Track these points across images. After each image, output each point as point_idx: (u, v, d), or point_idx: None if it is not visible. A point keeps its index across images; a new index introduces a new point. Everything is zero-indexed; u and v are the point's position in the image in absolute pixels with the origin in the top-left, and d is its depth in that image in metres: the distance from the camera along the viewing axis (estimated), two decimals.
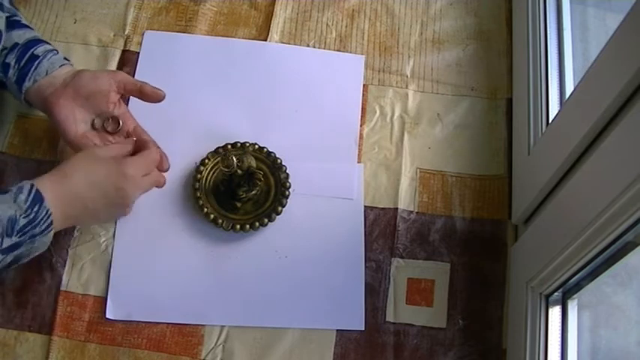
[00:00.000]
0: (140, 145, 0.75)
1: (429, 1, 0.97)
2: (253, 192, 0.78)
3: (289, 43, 0.93)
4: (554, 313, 0.69)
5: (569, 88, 0.77)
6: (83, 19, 0.93)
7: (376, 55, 0.93)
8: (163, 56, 0.91)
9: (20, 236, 0.61)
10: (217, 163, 0.81)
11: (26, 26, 0.75)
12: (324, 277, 0.79)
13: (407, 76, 0.92)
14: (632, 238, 0.55)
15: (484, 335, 0.77)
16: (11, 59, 0.72)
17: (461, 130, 0.88)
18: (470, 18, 0.96)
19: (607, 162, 0.56)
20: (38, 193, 0.62)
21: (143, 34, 0.92)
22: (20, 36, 0.73)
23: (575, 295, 0.68)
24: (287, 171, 0.82)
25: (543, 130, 0.77)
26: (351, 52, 0.93)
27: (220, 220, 0.77)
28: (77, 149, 0.73)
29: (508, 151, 0.86)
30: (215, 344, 0.75)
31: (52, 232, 0.64)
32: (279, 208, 0.79)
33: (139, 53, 0.91)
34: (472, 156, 0.87)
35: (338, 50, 0.93)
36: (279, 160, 0.82)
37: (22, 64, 0.72)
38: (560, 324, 0.68)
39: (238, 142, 0.83)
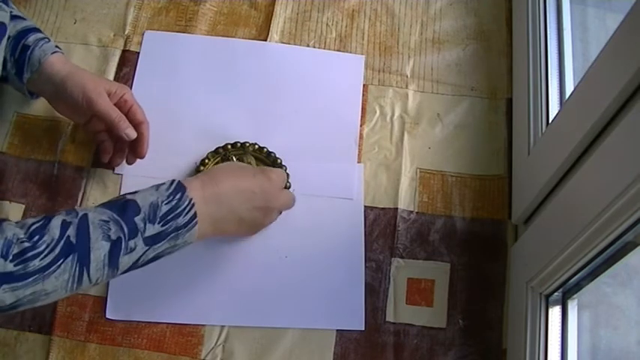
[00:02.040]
0: (135, 125, 0.77)
1: (429, 1, 0.97)
2: None
3: (289, 43, 0.93)
4: (554, 313, 0.69)
5: (569, 88, 0.77)
6: (83, 19, 0.93)
7: (376, 55, 0.93)
8: (163, 56, 0.91)
9: (163, 224, 0.59)
10: (217, 163, 0.81)
11: (18, 17, 0.75)
12: (324, 277, 0.79)
13: (407, 76, 0.92)
14: (632, 238, 0.55)
15: (484, 335, 0.77)
16: (6, 53, 0.71)
17: (461, 130, 0.88)
18: (470, 18, 0.96)
19: (607, 162, 0.56)
20: (180, 185, 0.62)
21: (143, 34, 0.92)
22: (10, 29, 0.72)
23: (575, 295, 0.68)
24: (287, 171, 0.82)
25: (543, 130, 0.77)
26: (351, 52, 0.93)
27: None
28: (106, 117, 0.75)
29: (508, 151, 0.86)
30: (215, 344, 0.75)
31: (196, 228, 0.62)
32: None
33: (138, 53, 0.91)
34: (472, 156, 0.87)
35: (338, 50, 0.93)
36: (279, 160, 0.82)
37: (16, 56, 0.72)
38: (560, 324, 0.68)
39: (238, 142, 0.83)
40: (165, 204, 0.59)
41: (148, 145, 0.79)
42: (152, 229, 0.58)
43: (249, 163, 0.77)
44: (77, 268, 0.54)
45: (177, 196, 0.60)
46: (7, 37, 0.69)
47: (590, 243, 0.57)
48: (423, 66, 0.92)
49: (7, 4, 0.72)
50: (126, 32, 0.93)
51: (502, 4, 0.97)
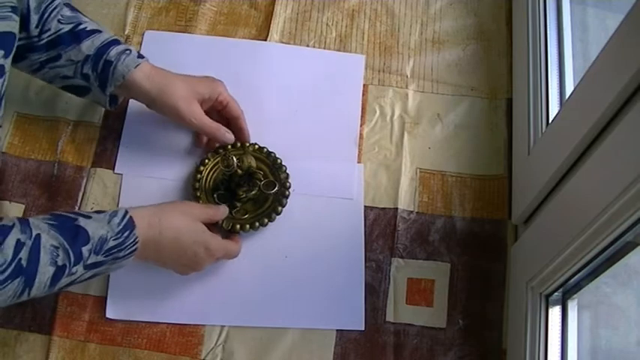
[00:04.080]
0: (232, 119, 0.82)
1: (429, 1, 0.97)
2: (253, 192, 0.78)
3: (289, 43, 0.93)
4: (554, 313, 0.69)
5: (569, 88, 0.77)
6: None
7: (376, 55, 0.93)
8: (163, 56, 0.90)
9: (106, 256, 0.62)
10: (217, 163, 0.81)
11: (93, 32, 0.73)
12: (324, 277, 0.79)
13: (407, 76, 0.92)
14: (632, 238, 0.55)
15: (484, 335, 0.77)
16: (88, 69, 0.72)
17: (461, 130, 0.88)
18: (470, 18, 0.96)
19: (607, 162, 0.56)
20: (130, 221, 0.64)
21: (143, 34, 0.92)
22: (89, 47, 0.72)
23: (575, 295, 0.68)
24: (287, 171, 0.81)
25: (543, 130, 0.77)
26: (351, 52, 0.93)
27: (220, 220, 0.76)
28: (202, 132, 0.81)
29: (508, 151, 0.86)
30: (215, 344, 0.75)
31: (131, 259, 0.65)
32: (279, 208, 0.78)
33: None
34: (472, 156, 0.87)
35: (338, 50, 0.93)
36: (279, 160, 0.82)
37: (98, 72, 0.72)
38: (560, 324, 0.68)
39: (238, 142, 0.83)
40: (114, 240, 0.62)
41: (249, 134, 0.83)
42: (95, 259, 0.62)
43: (250, 163, 0.75)
44: (21, 288, 0.57)
45: (126, 234, 0.63)
46: (14, 49, 0.66)
47: (590, 243, 0.58)
48: (423, 66, 0.92)
49: (15, 14, 0.69)
50: (126, 32, 0.93)
51: (502, 4, 0.97)
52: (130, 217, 0.64)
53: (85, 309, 0.76)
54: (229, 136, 0.80)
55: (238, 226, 0.77)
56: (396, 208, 0.83)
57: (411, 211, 0.83)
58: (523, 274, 0.74)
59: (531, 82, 0.82)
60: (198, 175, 0.80)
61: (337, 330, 0.76)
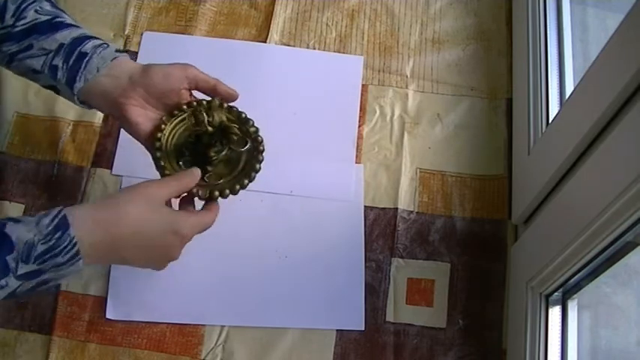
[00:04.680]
0: (224, 97, 0.68)
1: (429, 1, 0.97)
2: (224, 152, 0.66)
3: (289, 44, 0.93)
4: (554, 313, 0.69)
5: (569, 88, 0.77)
6: (83, 19, 0.93)
7: (376, 55, 0.93)
8: (162, 57, 0.89)
9: (40, 264, 0.53)
10: (176, 126, 0.67)
11: (72, 25, 0.67)
12: (324, 277, 0.79)
13: (407, 76, 0.92)
14: (632, 238, 0.55)
15: (484, 335, 0.77)
16: (58, 61, 0.64)
17: (461, 130, 0.88)
18: (470, 18, 0.96)
19: (607, 162, 0.56)
20: (64, 220, 0.54)
21: (142, 35, 0.92)
22: (65, 36, 0.65)
23: (575, 295, 0.68)
24: (255, 125, 0.69)
25: (543, 130, 0.77)
26: (350, 52, 0.93)
27: (195, 189, 0.63)
28: (148, 148, 0.67)
29: (508, 151, 0.86)
30: (215, 344, 0.75)
31: (81, 262, 0.55)
32: (257, 165, 0.67)
33: (138, 53, 0.91)
34: (472, 156, 0.87)
35: (338, 50, 0.93)
36: (243, 115, 0.70)
37: (70, 63, 0.64)
38: (560, 324, 0.68)
39: (204, 100, 0.69)
40: (42, 243, 0.53)
41: (233, 91, 0.70)
42: (26, 268, 0.53)
43: (221, 118, 0.65)
44: None
45: (57, 235, 0.53)
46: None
47: (590, 243, 0.58)
48: (423, 66, 0.92)
49: (5, 4, 0.66)
50: (126, 32, 0.93)
51: (502, 4, 0.97)
52: (64, 215, 0.54)
53: (85, 309, 0.76)
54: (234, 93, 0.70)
55: (217, 193, 0.64)
56: (396, 208, 0.83)
57: (411, 211, 0.83)
58: (523, 274, 0.74)
59: (531, 82, 0.82)
60: (158, 143, 0.65)
61: (337, 330, 0.76)
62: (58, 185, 0.82)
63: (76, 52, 0.64)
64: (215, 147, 0.65)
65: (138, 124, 0.65)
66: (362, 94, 0.90)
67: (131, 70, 0.65)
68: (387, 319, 0.78)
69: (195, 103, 0.67)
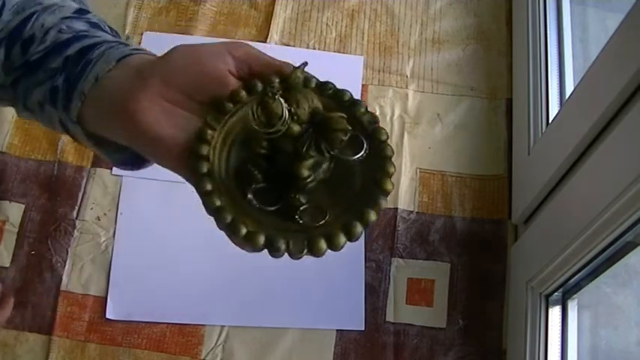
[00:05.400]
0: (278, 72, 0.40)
1: (429, 1, 0.97)
2: (325, 165, 0.36)
3: (289, 43, 0.93)
4: (554, 313, 0.69)
5: (569, 88, 0.77)
6: None
7: (376, 55, 0.93)
8: None
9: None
10: (233, 129, 0.37)
11: (94, 36, 0.44)
12: (324, 277, 0.79)
13: (407, 76, 0.92)
14: (632, 238, 0.55)
15: (484, 335, 0.77)
16: (59, 80, 0.41)
17: (461, 130, 0.88)
18: (470, 18, 0.96)
19: (607, 162, 0.56)
20: None
21: (142, 35, 0.92)
22: (77, 47, 0.43)
23: (575, 295, 0.68)
24: (368, 109, 0.39)
25: (543, 130, 0.77)
26: (350, 52, 0.93)
27: (282, 243, 0.35)
28: (185, 174, 0.37)
29: (508, 151, 0.86)
30: (215, 344, 0.75)
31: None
32: (385, 182, 0.36)
33: None
34: (472, 156, 0.87)
35: (338, 50, 0.93)
36: (347, 94, 0.41)
37: (71, 79, 0.41)
38: (560, 324, 0.68)
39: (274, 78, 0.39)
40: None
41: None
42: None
43: (314, 105, 0.36)
44: None
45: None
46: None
47: (590, 243, 0.57)
48: (423, 66, 0.92)
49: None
50: (126, 32, 0.93)
51: (502, 4, 0.97)
52: None
53: (85, 309, 0.76)
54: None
55: (323, 244, 0.37)
56: (396, 208, 0.83)
57: (411, 211, 0.83)
58: (523, 274, 0.74)
59: (531, 82, 0.82)
60: (205, 166, 0.36)
61: (337, 330, 0.76)
62: (58, 185, 0.82)
63: (82, 63, 0.42)
64: (308, 158, 0.36)
65: (161, 138, 0.37)
66: (362, 94, 0.90)
67: (141, 62, 0.41)
68: (387, 319, 0.78)
69: (259, 84, 0.39)
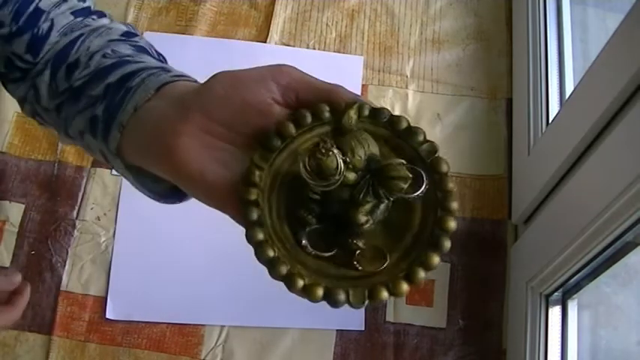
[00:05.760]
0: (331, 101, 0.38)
1: (429, 1, 0.97)
2: (383, 207, 0.34)
3: (289, 43, 0.93)
4: (554, 313, 0.69)
5: (569, 88, 0.77)
6: None
7: (376, 55, 0.93)
8: None
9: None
10: (283, 167, 0.35)
11: (140, 62, 0.43)
12: None
13: (407, 76, 0.92)
14: (632, 238, 0.55)
15: (484, 335, 0.77)
16: (99, 110, 0.40)
17: (461, 130, 0.88)
18: (470, 18, 0.96)
19: (607, 162, 0.56)
20: None
21: (142, 36, 0.92)
22: (118, 73, 0.41)
23: (575, 295, 0.68)
24: (426, 136, 0.36)
25: (543, 130, 0.77)
26: (350, 52, 0.93)
27: (341, 294, 0.34)
28: (231, 215, 0.37)
29: (508, 151, 0.86)
30: (215, 344, 0.75)
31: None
32: (448, 220, 0.33)
33: None
34: (472, 156, 0.87)
35: (338, 50, 0.93)
36: (403, 122, 0.37)
37: (110, 109, 0.40)
38: (560, 324, 0.68)
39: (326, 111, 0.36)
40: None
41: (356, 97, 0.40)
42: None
43: (370, 152, 0.33)
44: None
45: None
46: None
47: (590, 243, 0.57)
48: (423, 66, 0.92)
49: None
50: None
51: (502, 4, 0.97)
52: None
53: (85, 309, 0.76)
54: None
55: (385, 293, 0.32)
56: None
57: None
58: (523, 274, 0.74)
59: (531, 82, 0.82)
60: (254, 212, 0.34)
61: (337, 330, 0.76)
62: (58, 185, 0.82)
63: (122, 91, 0.40)
64: (365, 204, 0.33)
65: (203, 176, 0.35)
66: (362, 94, 0.90)
67: (184, 92, 0.38)
68: (387, 319, 0.78)
69: (308, 116, 0.36)
